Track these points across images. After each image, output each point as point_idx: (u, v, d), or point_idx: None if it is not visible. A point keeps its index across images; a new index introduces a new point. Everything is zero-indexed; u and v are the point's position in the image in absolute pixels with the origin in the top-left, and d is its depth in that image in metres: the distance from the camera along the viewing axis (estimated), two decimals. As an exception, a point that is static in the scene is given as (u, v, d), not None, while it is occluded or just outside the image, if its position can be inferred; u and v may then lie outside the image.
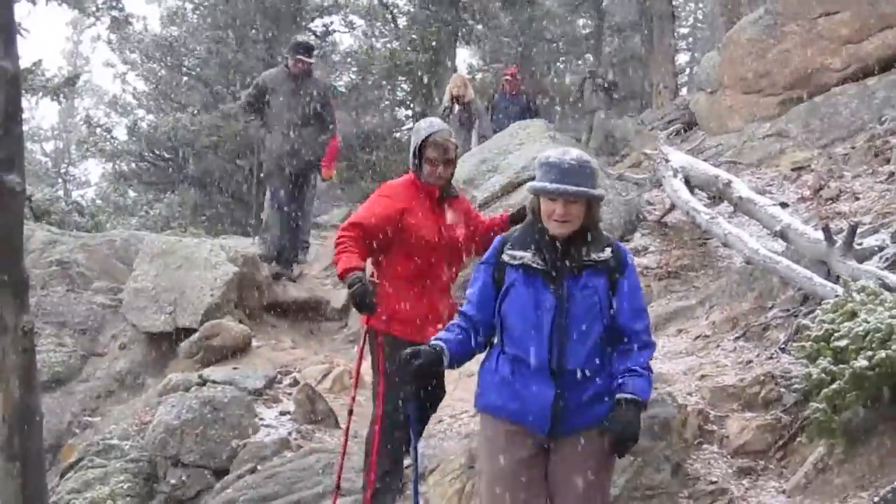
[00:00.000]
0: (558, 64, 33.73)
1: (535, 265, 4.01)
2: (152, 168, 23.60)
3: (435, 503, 6.15)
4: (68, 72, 42.41)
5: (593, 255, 4.00)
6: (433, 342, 4.10)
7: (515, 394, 4.02)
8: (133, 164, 23.95)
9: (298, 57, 10.81)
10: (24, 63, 20.04)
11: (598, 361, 3.99)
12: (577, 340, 3.94)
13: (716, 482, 5.58)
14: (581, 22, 31.93)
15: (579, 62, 32.93)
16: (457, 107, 14.02)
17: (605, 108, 17.77)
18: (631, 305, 4.05)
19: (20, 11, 18.15)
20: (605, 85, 17.95)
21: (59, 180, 36.35)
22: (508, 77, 16.25)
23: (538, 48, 28.58)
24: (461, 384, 8.69)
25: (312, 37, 25.25)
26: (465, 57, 33.62)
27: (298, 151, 10.77)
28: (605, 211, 10.02)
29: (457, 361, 4.14)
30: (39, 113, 59.70)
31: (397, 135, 24.83)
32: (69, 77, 17.71)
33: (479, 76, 26.69)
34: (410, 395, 4.62)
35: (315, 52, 11.42)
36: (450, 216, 5.67)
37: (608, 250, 4.04)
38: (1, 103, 5.15)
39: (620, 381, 3.98)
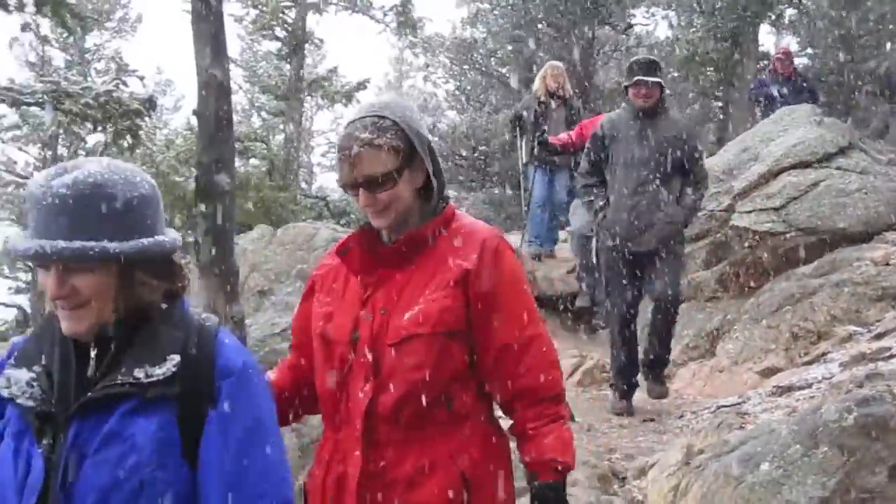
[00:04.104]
0: (889, 46, 31.27)
1: (22, 399, 2.10)
2: (454, 168, 24.30)
3: (651, 499, 6.05)
4: (394, 77, 45.13)
5: (136, 372, 2.06)
6: None
7: None
8: (435, 165, 24.75)
9: (637, 79, 7.35)
10: (320, 71, 21.56)
11: None
12: None
13: (939, 487, 5.08)
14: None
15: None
16: (553, 102, 11.53)
17: None
18: (232, 472, 2.08)
19: (310, 22, 19.62)
20: None
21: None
22: (781, 56, 15.35)
23: (864, 29, 26.64)
24: (711, 379, 8.49)
25: (611, 31, 25.14)
26: (777, 42, 32.06)
27: (649, 225, 7.27)
28: (870, 199, 9.26)
29: None
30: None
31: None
32: (359, 82, 18.71)
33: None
34: None
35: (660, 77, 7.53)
36: (392, 292, 2.76)
37: (173, 360, 2.09)
38: (212, 108, 5.61)
39: None
